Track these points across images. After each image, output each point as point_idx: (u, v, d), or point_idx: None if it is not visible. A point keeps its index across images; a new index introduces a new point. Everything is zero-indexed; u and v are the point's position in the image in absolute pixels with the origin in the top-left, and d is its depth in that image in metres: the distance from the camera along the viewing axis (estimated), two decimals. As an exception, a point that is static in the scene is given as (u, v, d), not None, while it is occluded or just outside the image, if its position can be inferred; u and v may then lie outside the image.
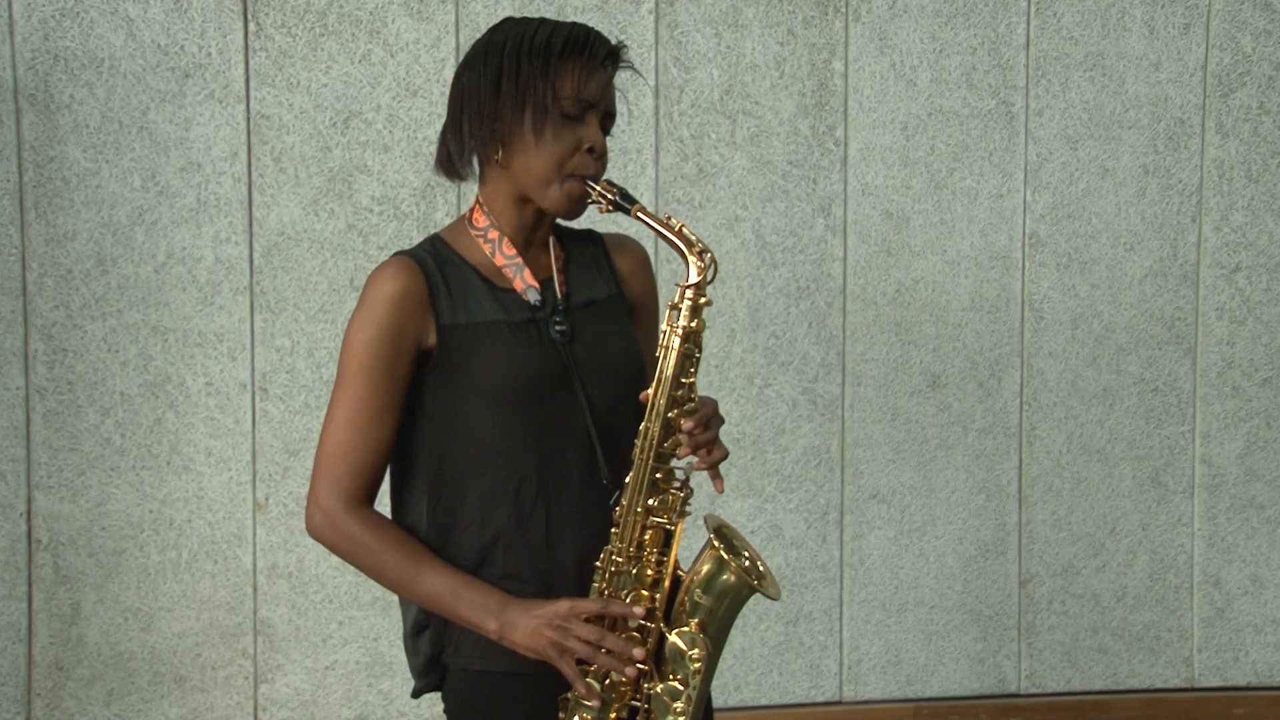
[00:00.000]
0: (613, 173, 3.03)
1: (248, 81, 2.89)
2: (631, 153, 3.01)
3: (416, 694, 1.72)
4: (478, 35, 3.12)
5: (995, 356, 3.21)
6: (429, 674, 1.69)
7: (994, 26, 3.16)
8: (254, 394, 2.92)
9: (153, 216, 2.87)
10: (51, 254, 2.83)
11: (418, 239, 2.92)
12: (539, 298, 1.65)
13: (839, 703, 3.21)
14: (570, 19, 2.71)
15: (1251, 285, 3.28)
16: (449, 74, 2.92)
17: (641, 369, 1.71)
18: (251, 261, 2.91)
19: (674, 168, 3.04)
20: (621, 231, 1.84)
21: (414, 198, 2.95)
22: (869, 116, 3.13)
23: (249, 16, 2.88)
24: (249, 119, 2.89)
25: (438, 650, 1.67)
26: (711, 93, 3.05)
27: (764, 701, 3.17)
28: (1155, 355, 3.27)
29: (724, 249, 3.07)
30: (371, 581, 3.08)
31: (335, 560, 2.94)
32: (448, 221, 2.94)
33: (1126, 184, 3.23)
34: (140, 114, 2.85)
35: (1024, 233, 3.20)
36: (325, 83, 2.91)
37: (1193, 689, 3.33)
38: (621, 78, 1.69)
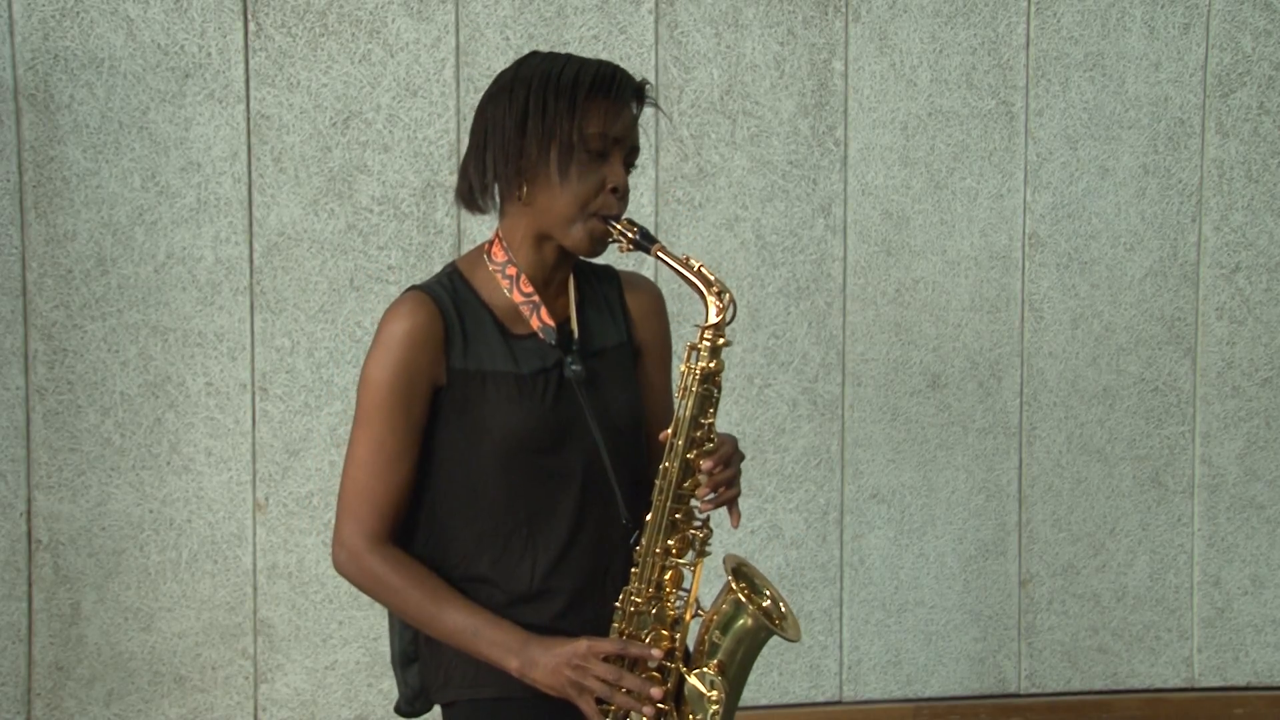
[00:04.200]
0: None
1: (248, 81, 2.89)
2: (631, 153, 3.01)
3: (405, 715, 1.74)
4: (478, 35, 3.13)
5: (995, 356, 3.21)
6: (417, 702, 1.72)
7: (994, 26, 3.16)
8: (254, 394, 2.92)
9: (153, 216, 2.87)
10: (51, 254, 2.83)
11: (418, 239, 2.94)
12: (555, 337, 1.64)
13: (839, 703, 3.21)
14: (571, 20, 2.72)
15: (1251, 285, 3.28)
16: (449, 74, 2.92)
17: (641, 423, 1.72)
18: (251, 261, 2.91)
19: (674, 168, 3.04)
20: (638, 269, 1.83)
21: (414, 198, 2.95)
22: (869, 116, 3.13)
23: (249, 16, 2.88)
24: (249, 119, 2.89)
25: (426, 686, 1.69)
26: (711, 93, 3.05)
27: (764, 701, 3.17)
28: (1155, 355, 3.27)
29: (724, 249, 3.07)
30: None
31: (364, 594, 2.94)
32: (448, 222, 2.94)
33: (1126, 184, 3.23)
34: (140, 114, 2.85)
35: (1024, 233, 3.20)
36: (325, 83, 2.91)
37: (1193, 689, 3.33)
38: (669, 115, 1.69)
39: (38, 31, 2.80)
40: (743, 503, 3.16)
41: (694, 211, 3.05)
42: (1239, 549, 3.32)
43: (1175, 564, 3.31)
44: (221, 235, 2.89)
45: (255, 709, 2.97)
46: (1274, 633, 3.35)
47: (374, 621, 2.98)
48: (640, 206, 3.01)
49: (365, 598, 2.95)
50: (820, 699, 3.20)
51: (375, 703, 3.00)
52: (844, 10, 3.10)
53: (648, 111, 1.69)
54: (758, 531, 3.12)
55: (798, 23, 3.09)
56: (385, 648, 2.97)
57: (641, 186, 3.01)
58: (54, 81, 2.81)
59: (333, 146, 2.92)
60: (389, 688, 2.99)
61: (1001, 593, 3.25)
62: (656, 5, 3.02)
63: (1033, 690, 3.28)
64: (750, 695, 3.16)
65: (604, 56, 1.72)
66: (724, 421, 3.07)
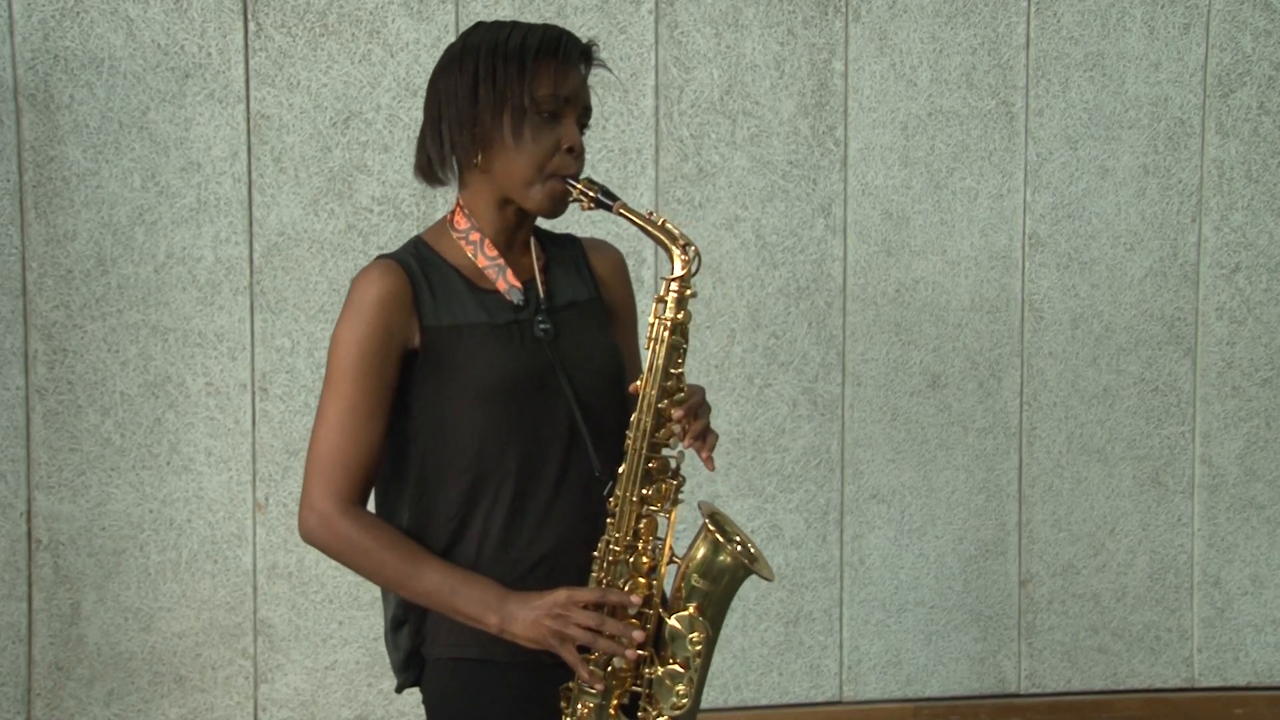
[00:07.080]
0: (612, 173, 3.03)
1: (248, 81, 2.89)
2: (631, 153, 3.01)
3: (399, 689, 1.74)
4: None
5: (995, 356, 3.21)
6: (410, 668, 1.71)
7: (994, 26, 3.16)
8: (254, 394, 2.92)
9: (153, 216, 2.87)
10: (51, 254, 2.83)
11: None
12: (522, 297, 1.66)
13: (839, 703, 3.21)
14: (570, 19, 2.72)
15: (1251, 285, 3.28)
16: (449, 74, 2.92)
17: (621, 370, 1.74)
18: (251, 261, 2.91)
19: (674, 168, 3.04)
20: (602, 232, 1.85)
21: (414, 198, 2.95)
22: (869, 116, 3.13)
23: (249, 16, 2.88)
24: (249, 119, 2.89)
25: (417, 644, 1.69)
26: (711, 93, 3.05)
27: (764, 701, 3.17)
28: (1155, 355, 3.27)
29: (724, 249, 3.07)
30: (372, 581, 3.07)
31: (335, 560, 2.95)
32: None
33: (1126, 184, 3.23)
34: (140, 114, 2.85)
35: (1024, 233, 3.20)
36: (325, 83, 2.91)
37: (1193, 689, 3.33)
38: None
39: (38, 31, 2.80)
40: (743, 502, 3.18)
41: (694, 211, 3.05)
42: (1239, 549, 3.32)
43: (1175, 564, 3.31)
44: (221, 235, 2.89)
45: (255, 709, 2.97)
46: (1274, 633, 3.35)
47: (374, 621, 2.98)
48: (640, 207, 3.01)
49: (365, 597, 2.96)
50: (820, 699, 3.20)
51: (375, 703, 3.00)
52: (844, 10, 3.10)
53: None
54: (758, 531, 3.12)
55: (798, 23, 3.09)
56: (386, 648, 2.98)
57: (641, 186, 3.01)
58: (54, 81, 2.81)
59: (333, 146, 2.92)
60: (389, 688, 2.99)
61: (1001, 593, 3.25)
62: (656, 5, 3.02)
63: (1033, 690, 3.28)
64: (750, 695, 3.17)
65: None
66: (724, 421, 3.07)
